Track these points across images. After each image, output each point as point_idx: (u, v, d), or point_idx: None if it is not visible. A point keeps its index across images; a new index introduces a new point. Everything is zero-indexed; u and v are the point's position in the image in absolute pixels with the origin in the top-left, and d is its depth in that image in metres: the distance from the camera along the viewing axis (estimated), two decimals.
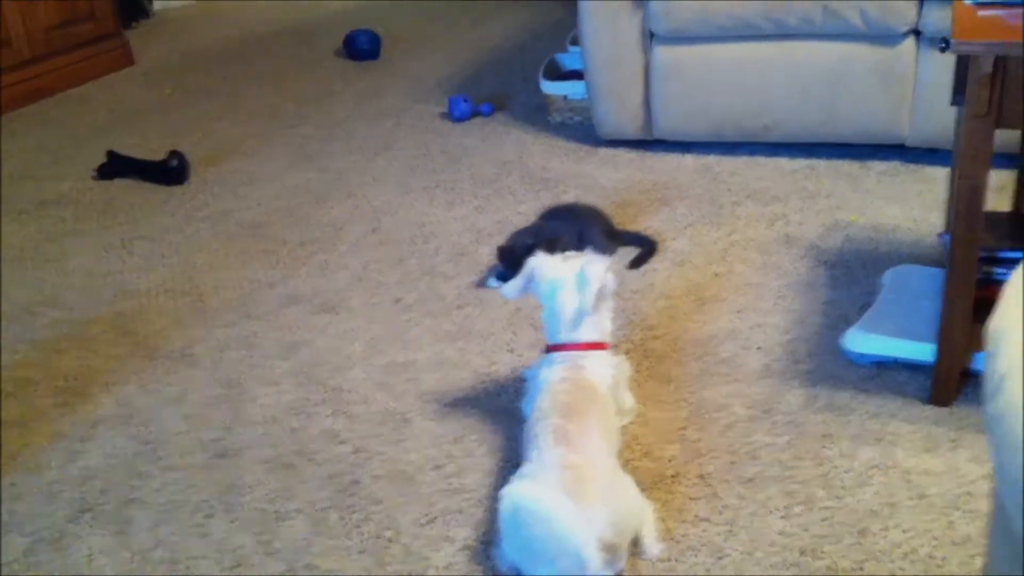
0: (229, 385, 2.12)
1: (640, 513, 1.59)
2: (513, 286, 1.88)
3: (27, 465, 1.91)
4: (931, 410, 1.86)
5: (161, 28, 5.09)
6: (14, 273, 2.67)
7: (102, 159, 3.25)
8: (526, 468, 1.60)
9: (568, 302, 1.82)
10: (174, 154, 3.13)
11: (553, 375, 1.76)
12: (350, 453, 1.88)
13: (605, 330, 1.84)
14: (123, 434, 1.98)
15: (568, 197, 2.86)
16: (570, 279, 1.82)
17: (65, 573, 1.65)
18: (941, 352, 1.85)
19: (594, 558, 1.47)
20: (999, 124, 1.73)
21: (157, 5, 5.32)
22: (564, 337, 1.81)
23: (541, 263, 1.86)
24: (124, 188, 3.16)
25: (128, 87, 4.18)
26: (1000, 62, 1.69)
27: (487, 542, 1.63)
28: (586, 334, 1.81)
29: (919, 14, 2.70)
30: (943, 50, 1.92)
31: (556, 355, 1.80)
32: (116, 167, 3.20)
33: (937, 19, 2.66)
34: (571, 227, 2.52)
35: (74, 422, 2.03)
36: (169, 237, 2.82)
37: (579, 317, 1.80)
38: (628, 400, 1.89)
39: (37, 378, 2.19)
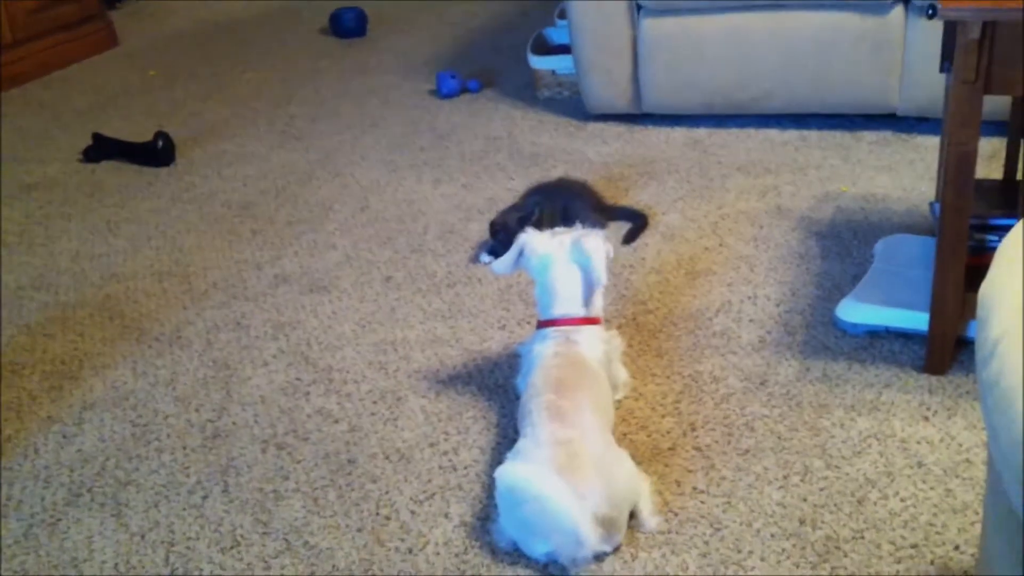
0: (220, 366, 2.11)
1: (636, 486, 1.59)
2: (504, 262, 1.88)
3: (21, 449, 1.90)
4: (926, 379, 1.86)
5: (145, 9, 5.04)
6: (1, 256, 2.65)
7: (88, 141, 3.22)
8: (520, 444, 1.60)
9: (559, 277, 1.81)
10: (160, 135, 3.10)
11: (546, 351, 1.76)
12: (345, 432, 1.88)
13: (597, 305, 1.84)
14: (116, 417, 1.97)
15: (557, 172, 2.84)
16: (561, 255, 1.82)
17: (63, 556, 1.64)
18: (934, 320, 1.85)
19: (590, 535, 1.47)
20: (988, 90, 1.73)
21: None
22: (556, 312, 1.81)
23: (531, 239, 1.85)
24: (110, 170, 3.13)
25: (112, 69, 4.14)
26: (988, 27, 1.68)
27: (484, 518, 1.63)
28: (578, 309, 1.80)
29: None
30: (931, 16, 1.91)
31: (549, 331, 1.80)
32: (102, 149, 3.17)
33: None
34: (560, 202, 2.51)
35: (66, 406, 2.02)
36: (156, 219, 2.80)
37: (591, 289, 1.81)
38: (622, 374, 1.89)
39: (28, 362, 2.18)
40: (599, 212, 2.53)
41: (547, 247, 1.83)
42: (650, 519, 1.59)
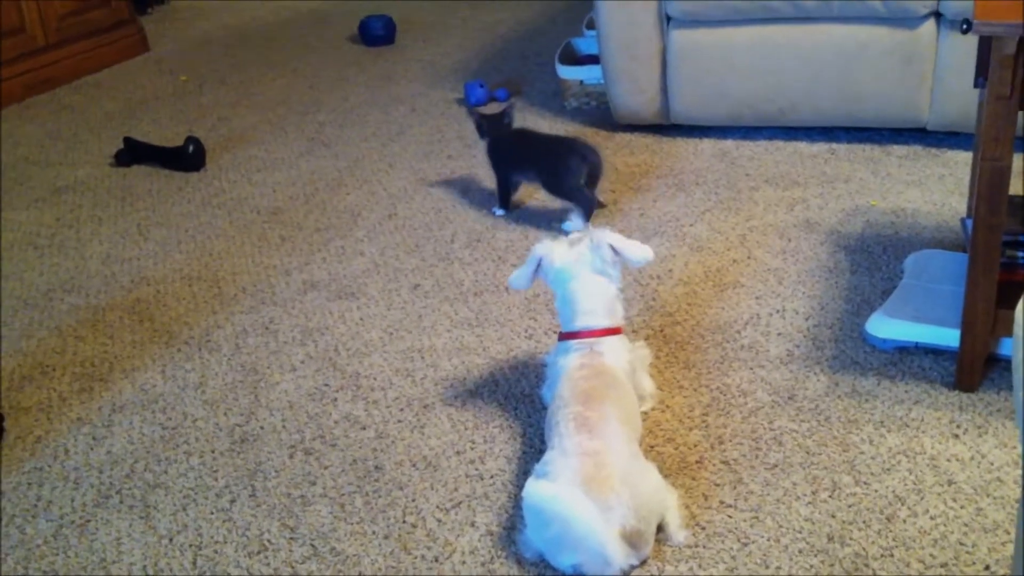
0: (249, 371, 2.13)
1: (663, 499, 1.58)
2: (521, 276, 1.87)
3: (52, 450, 1.92)
4: (956, 395, 1.85)
5: (175, 14, 5.08)
6: (32, 259, 2.67)
7: (118, 146, 3.25)
8: (548, 456, 1.60)
9: (580, 289, 1.81)
10: (190, 140, 3.13)
11: (571, 362, 1.75)
12: (372, 439, 1.88)
13: (618, 313, 1.84)
14: (145, 419, 1.99)
15: None
16: (581, 266, 1.81)
17: (92, 557, 1.66)
18: (965, 337, 1.83)
19: (617, 553, 1.47)
20: (1023, 106, 1.72)
21: None
22: (579, 324, 1.81)
23: (549, 251, 1.84)
24: (141, 174, 3.16)
25: (143, 74, 4.17)
26: (1023, 43, 1.67)
27: (511, 528, 1.63)
28: (600, 320, 1.80)
29: None
30: (965, 31, 1.91)
31: (572, 343, 1.80)
32: (133, 153, 3.20)
33: (957, 1, 2.64)
34: (550, 158, 2.64)
35: (96, 407, 2.04)
36: (186, 223, 2.82)
37: (606, 296, 1.81)
38: (648, 385, 1.88)
39: (58, 363, 2.20)
40: (564, 186, 2.60)
41: (565, 258, 1.83)
42: (678, 532, 1.58)
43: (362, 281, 2.45)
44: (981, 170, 1.75)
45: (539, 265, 1.85)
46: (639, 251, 1.82)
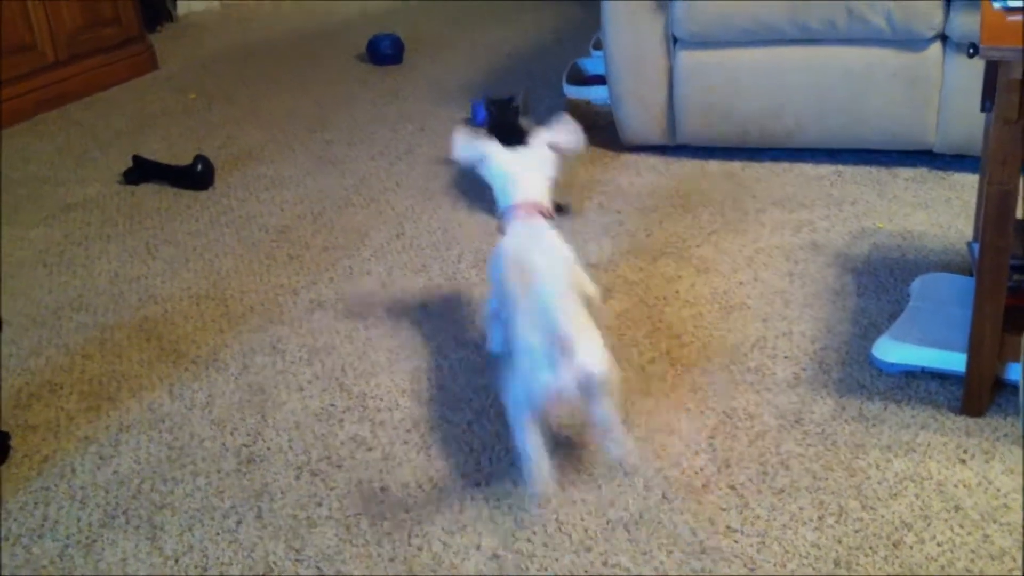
0: (256, 391, 2.13)
1: (610, 368, 1.64)
2: (466, 153, 2.08)
3: (58, 469, 1.92)
4: (963, 420, 1.85)
5: (185, 32, 5.11)
6: (40, 277, 2.68)
7: (127, 163, 3.27)
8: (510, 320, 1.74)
9: (521, 180, 2.01)
10: (199, 159, 3.14)
11: (511, 234, 1.94)
12: (378, 460, 1.88)
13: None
14: (152, 439, 1.99)
15: (592, 203, 2.86)
16: (522, 164, 2.02)
17: None
18: (971, 362, 1.83)
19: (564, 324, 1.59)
20: None
21: (181, 8, 5.34)
22: (519, 199, 1.98)
23: (498, 154, 2.04)
24: (150, 192, 3.17)
25: (152, 91, 4.20)
26: None
27: (517, 551, 1.63)
28: (542, 199, 2.00)
29: (946, 18, 2.68)
30: (972, 55, 1.91)
31: (514, 212, 1.96)
32: (142, 171, 3.21)
33: (964, 24, 2.65)
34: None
35: (103, 427, 2.04)
36: (194, 242, 2.83)
37: (545, 189, 2.02)
38: (589, 284, 1.94)
39: (66, 382, 2.21)
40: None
41: (510, 166, 2.03)
42: (620, 443, 1.73)
43: (369, 301, 2.46)
44: (988, 194, 1.75)
45: (483, 161, 2.06)
46: (572, 138, 2.03)
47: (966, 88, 2.70)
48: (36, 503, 1.84)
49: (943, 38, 2.72)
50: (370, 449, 1.92)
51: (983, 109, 2.09)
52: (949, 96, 2.75)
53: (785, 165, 2.99)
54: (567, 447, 1.87)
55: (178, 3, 5.32)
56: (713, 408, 1.95)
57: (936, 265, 2.38)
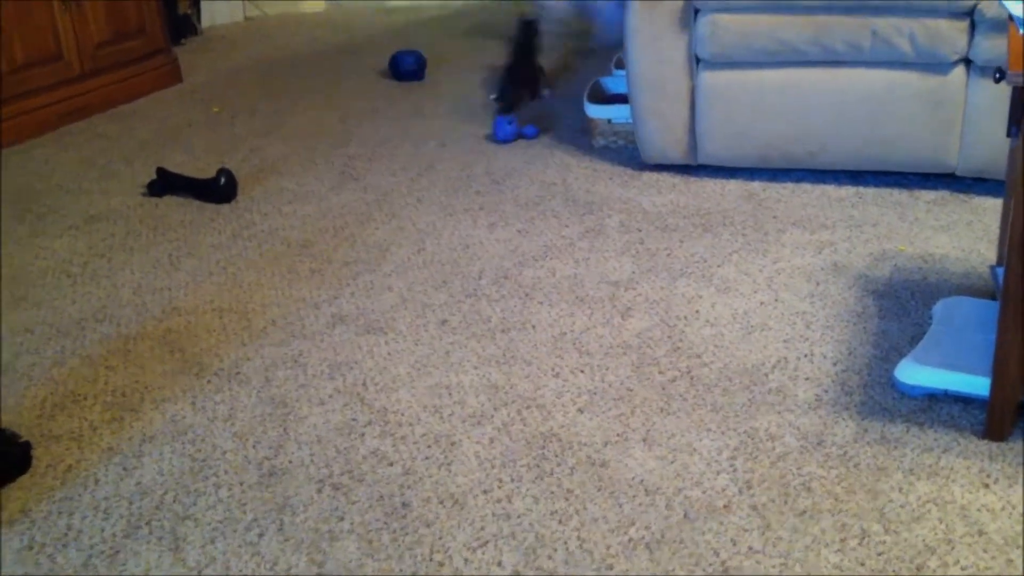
0: (278, 404, 2.14)
1: None
2: None
3: (82, 479, 1.93)
4: (986, 445, 1.84)
5: (209, 45, 5.16)
6: (64, 288, 2.71)
7: (151, 175, 3.29)
8: None
9: None
10: (222, 172, 3.17)
11: None
12: (399, 475, 1.89)
13: None
14: (175, 451, 2.00)
15: (612, 221, 2.87)
16: None
17: None
18: (995, 387, 1.83)
19: None
20: None
21: (205, 21, 5.39)
22: None
23: None
24: (173, 204, 3.20)
25: (176, 104, 4.23)
26: None
27: (538, 568, 1.63)
28: None
29: (970, 43, 2.69)
30: (998, 80, 1.92)
31: None
32: (165, 184, 3.24)
33: (988, 48, 2.65)
34: None
35: (127, 437, 2.05)
36: (217, 254, 2.85)
37: None
38: None
39: (89, 392, 2.22)
40: None
41: None
42: None
43: (390, 316, 2.47)
44: (1013, 219, 1.75)
45: None
46: None
47: (989, 112, 2.70)
48: (60, 513, 1.85)
49: (967, 62, 2.72)
50: (391, 464, 1.92)
51: (1009, 134, 2.08)
52: (972, 119, 2.75)
53: (806, 186, 2.99)
54: (588, 464, 1.87)
55: (203, 16, 5.36)
56: (735, 428, 1.95)
57: (958, 289, 2.37)
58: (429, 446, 1.97)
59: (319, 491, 1.86)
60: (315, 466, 1.93)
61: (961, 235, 2.64)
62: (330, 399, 2.15)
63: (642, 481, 1.82)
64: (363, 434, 2.02)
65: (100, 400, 2.19)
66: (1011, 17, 1.87)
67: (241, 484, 1.89)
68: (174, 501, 1.86)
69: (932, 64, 2.74)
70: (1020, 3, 1.87)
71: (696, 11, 2.93)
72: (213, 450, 2.00)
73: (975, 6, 2.65)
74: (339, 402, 2.13)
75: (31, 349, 2.40)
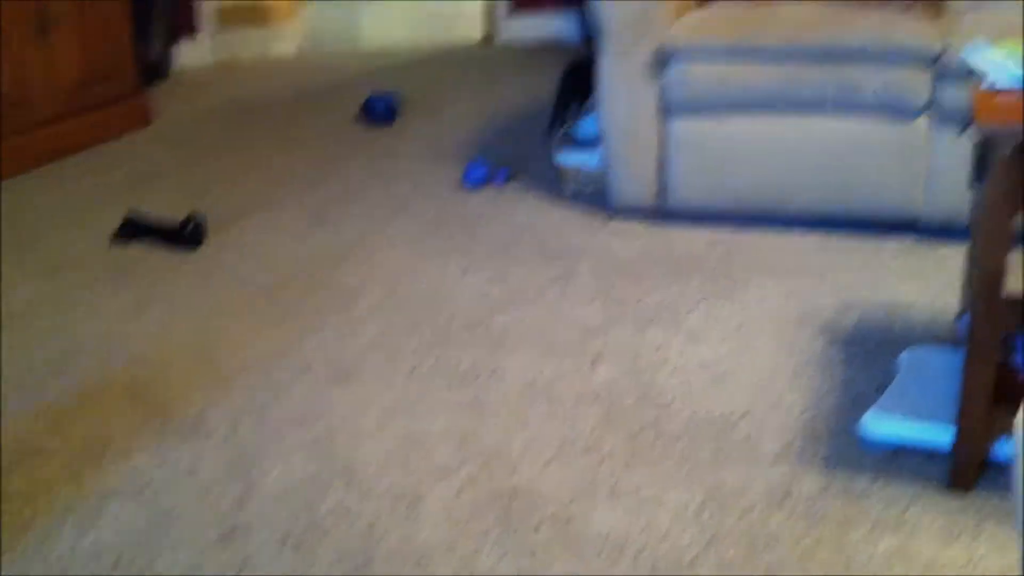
0: (242, 456, 2.11)
1: None
2: None
3: (38, 537, 1.90)
4: (950, 497, 1.84)
5: (180, 88, 5.14)
6: (27, 335, 2.67)
7: (119, 220, 3.26)
8: None
9: None
10: (191, 218, 3.15)
11: None
12: (363, 531, 1.87)
13: None
14: (136, 506, 1.97)
15: (582, 267, 2.87)
16: None
17: None
18: (960, 439, 1.83)
19: None
20: (1019, 208, 1.74)
21: (176, 64, 5.38)
22: None
23: None
24: (141, 250, 3.17)
25: (147, 147, 4.21)
26: (1020, 147, 1.70)
27: None
28: None
29: (933, 92, 2.72)
30: (962, 132, 1.94)
31: None
32: (133, 230, 3.21)
33: (952, 97, 2.68)
34: None
35: (86, 493, 2.02)
36: (184, 301, 2.82)
37: None
38: None
39: (49, 446, 2.19)
40: None
41: None
42: None
43: (359, 362, 2.45)
44: (978, 272, 1.77)
45: None
46: None
47: (953, 161, 2.73)
48: (15, 575, 1.81)
49: (931, 110, 2.75)
50: (356, 519, 1.90)
51: (973, 185, 2.11)
52: (937, 168, 2.77)
53: (774, 233, 3.01)
54: (554, 520, 1.86)
55: (174, 59, 5.36)
56: (701, 481, 1.94)
57: (923, 337, 2.38)
58: (395, 501, 1.95)
59: (280, 550, 1.83)
60: (277, 522, 1.91)
61: (927, 283, 2.65)
62: (294, 452, 2.12)
63: (608, 536, 1.80)
64: (327, 488, 2.00)
65: (59, 454, 2.16)
66: (974, 71, 1.90)
67: (202, 542, 1.86)
68: (131, 561, 1.82)
69: (897, 113, 2.77)
70: (983, 57, 1.90)
71: (666, 60, 2.95)
72: (174, 506, 1.97)
73: (939, 56, 2.68)
74: (304, 454, 2.11)
75: None
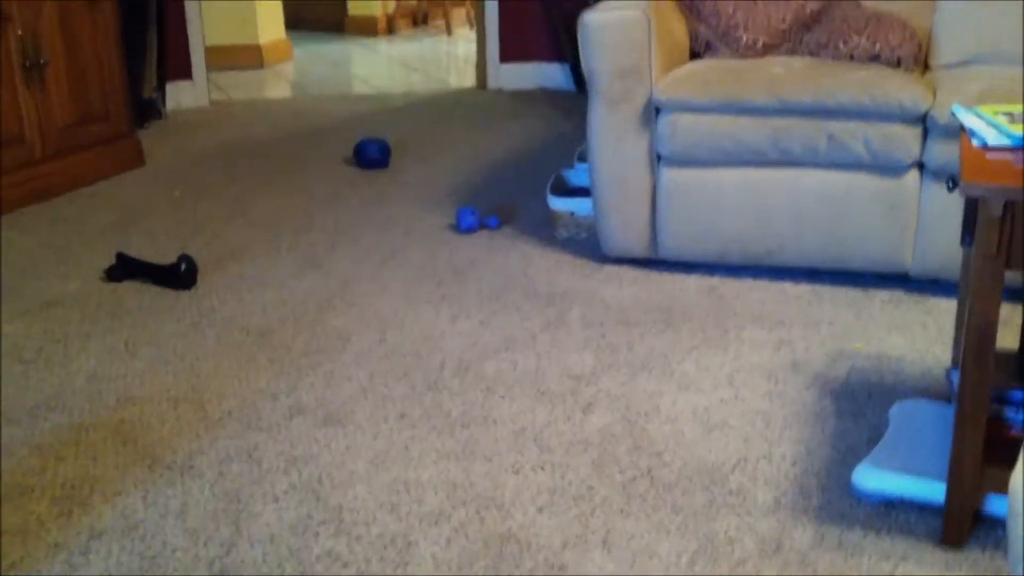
0: (231, 499, 2.10)
1: None
2: None
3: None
4: (942, 553, 1.85)
5: (173, 129, 5.17)
6: (16, 374, 2.66)
7: (111, 259, 3.27)
8: None
9: None
10: (183, 259, 3.15)
11: None
12: None
13: None
14: (125, 548, 1.95)
15: (573, 314, 2.88)
16: None
17: None
18: (952, 495, 1.84)
19: None
20: (1009, 265, 1.76)
21: (170, 105, 5.41)
22: None
23: None
24: (132, 290, 3.17)
25: (138, 187, 4.22)
26: (1009, 206, 1.73)
27: None
28: None
29: (923, 147, 2.76)
30: (951, 189, 1.97)
31: None
32: (125, 269, 3.21)
33: (941, 153, 2.72)
34: None
35: (74, 533, 2.00)
36: (174, 342, 2.81)
37: None
38: None
39: (38, 484, 2.17)
40: None
41: None
42: None
43: (349, 408, 2.44)
44: (968, 326, 1.78)
45: None
46: None
47: (942, 215, 2.77)
48: None
49: (920, 166, 2.79)
50: (345, 565, 1.89)
51: (963, 243, 2.14)
52: (925, 222, 2.81)
53: (764, 282, 3.03)
54: (546, 567, 1.85)
55: (167, 100, 5.39)
56: (694, 531, 1.94)
57: (914, 390, 2.40)
58: (385, 547, 1.94)
59: None
60: (267, 566, 1.89)
61: (916, 336, 2.68)
62: (285, 495, 2.11)
63: None
64: (318, 533, 1.98)
65: (48, 493, 2.14)
66: (963, 128, 1.93)
67: None
68: None
69: (886, 167, 2.81)
70: (972, 114, 1.93)
71: (657, 110, 2.99)
72: (163, 547, 1.95)
73: (928, 112, 2.73)
74: (294, 498, 2.10)
75: None
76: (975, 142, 1.89)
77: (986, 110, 1.98)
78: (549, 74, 5.81)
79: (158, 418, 2.43)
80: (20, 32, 3.84)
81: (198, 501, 2.10)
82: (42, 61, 3.94)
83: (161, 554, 1.93)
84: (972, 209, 2.00)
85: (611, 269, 3.20)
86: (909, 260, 2.88)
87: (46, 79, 3.98)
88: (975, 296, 1.77)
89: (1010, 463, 1.86)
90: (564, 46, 5.66)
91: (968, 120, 1.95)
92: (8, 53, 3.81)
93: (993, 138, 1.87)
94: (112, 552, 1.94)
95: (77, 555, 1.94)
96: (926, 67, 3.18)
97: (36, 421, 2.43)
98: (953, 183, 1.98)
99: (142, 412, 2.46)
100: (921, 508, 1.96)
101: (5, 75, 3.81)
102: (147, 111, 5.13)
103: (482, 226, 3.59)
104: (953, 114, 1.97)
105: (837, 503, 2.00)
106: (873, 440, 2.18)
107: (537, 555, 1.89)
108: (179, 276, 3.13)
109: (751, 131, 2.88)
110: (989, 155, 1.85)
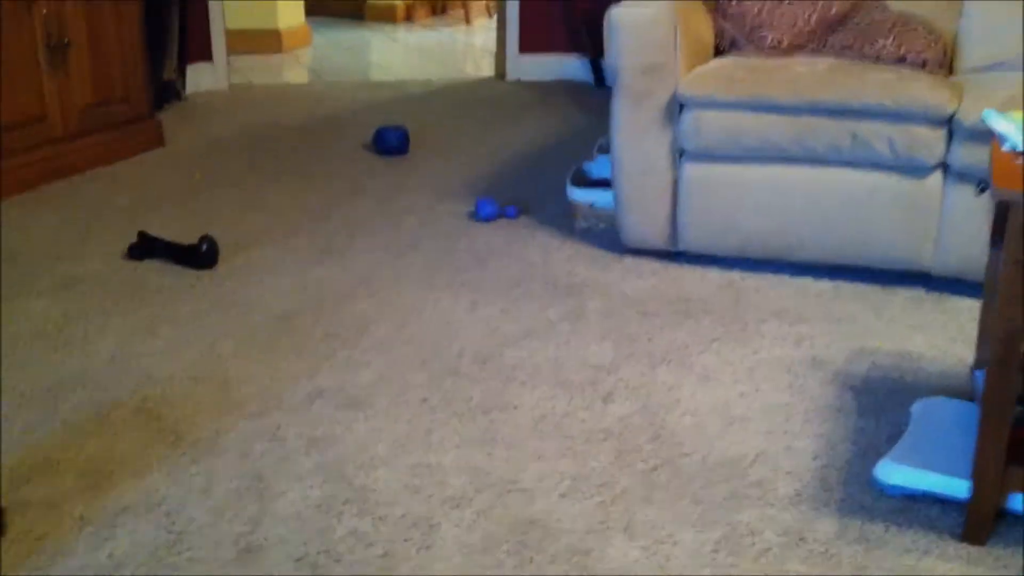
0: (255, 478, 2.11)
1: None
2: None
3: (53, 550, 1.89)
4: (964, 548, 1.86)
5: (193, 112, 5.18)
6: (39, 353, 2.67)
7: (130, 239, 3.28)
8: None
9: None
10: (205, 239, 3.16)
11: None
12: (378, 557, 1.87)
13: None
14: (150, 523, 1.97)
15: (592, 304, 2.89)
16: None
17: None
18: (975, 492, 1.85)
19: None
20: None
21: (190, 88, 5.42)
22: None
23: None
24: (152, 269, 3.18)
25: (158, 169, 4.24)
26: None
27: None
28: None
29: (947, 149, 2.76)
30: (980, 192, 1.98)
31: None
32: (146, 248, 3.23)
33: (965, 155, 2.73)
34: None
35: (100, 507, 2.01)
36: (196, 322, 2.83)
37: None
38: None
39: (63, 459, 2.18)
40: None
41: None
42: None
43: (370, 392, 2.46)
44: (995, 331, 1.79)
45: None
46: None
47: (964, 216, 2.77)
48: None
49: (944, 167, 2.80)
50: (370, 545, 1.90)
51: (992, 246, 2.14)
52: (947, 223, 2.81)
53: (785, 278, 3.04)
54: (570, 552, 1.86)
55: (187, 83, 5.40)
56: (716, 521, 1.95)
57: (934, 388, 2.41)
58: (409, 528, 1.95)
59: (296, 570, 1.83)
60: (292, 544, 1.90)
61: (937, 335, 2.68)
62: (308, 475, 2.12)
63: (624, 573, 1.81)
64: (342, 512, 2.00)
65: (74, 468, 2.15)
66: (994, 133, 1.93)
67: (216, 560, 1.86)
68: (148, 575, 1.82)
69: (910, 168, 2.81)
70: (1003, 119, 1.94)
71: (681, 106, 2.99)
72: (189, 523, 1.97)
73: (953, 115, 2.73)
74: (318, 478, 2.11)
75: (4, 414, 2.36)
76: (1005, 146, 1.90)
77: (1017, 115, 1.99)
78: (568, 66, 5.81)
79: (180, 397, 2.44)
80: (45, 12, 3.85)
81: (222, 479, 2.11)
82: (65, 42, 3.95)
83: (187, 530, 1.95)
84: (1002, 212, 2.00)
85: (630, 261, 3.21)
86: (930, 260, 2.88)
87: (69, 59, 3.99)
88: (1003, 299, 1.78)
89: None
90: (584, 40, 5.66)
91: (999, 125, 1.95)
92: (32, 33, 3.83)
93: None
94: (138, 527, 1.96)
95: (104, 528, 1.95)
96: (951, 70, 3.18)
97: (58, 399, 2.44)
98: (983, 186, 1.98)
99: (164, 391, 2.47)
100: (943, 504, 1.97)
101: (29, 55, 3.82)
102: (167, 93, 5.14)
103: (501, 215, 3.60)
104: (983, 119, 1.97)
105: (858, 497, 2.01)
106: (893, 437, 2.19)
107: (561, 540, 1.90)
108: (201, 255, 3.14)
109: (775, 129, 2.89)
110: (1019, 159, 1.86)
